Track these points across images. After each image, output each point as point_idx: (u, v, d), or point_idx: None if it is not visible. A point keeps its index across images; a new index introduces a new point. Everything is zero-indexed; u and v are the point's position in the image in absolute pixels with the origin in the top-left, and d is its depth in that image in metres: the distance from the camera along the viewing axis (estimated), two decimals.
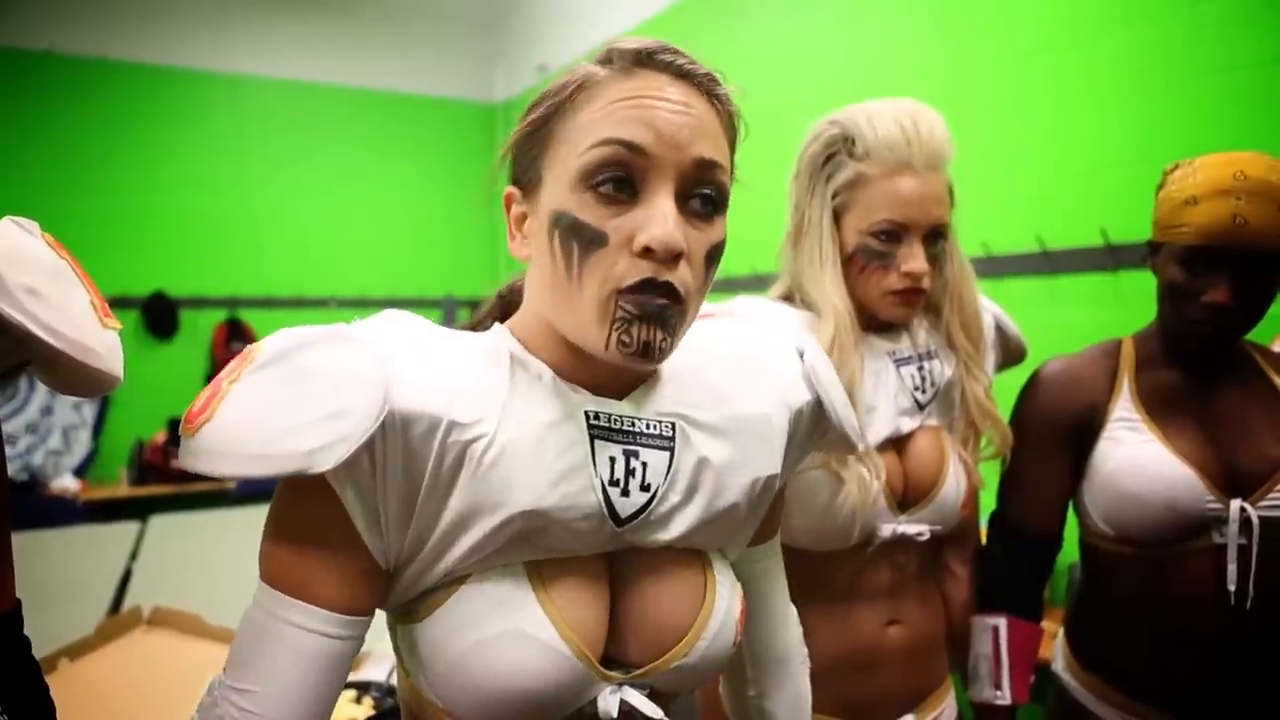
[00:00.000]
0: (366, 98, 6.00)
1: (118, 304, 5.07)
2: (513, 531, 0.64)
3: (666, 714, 0.71)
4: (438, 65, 6.29)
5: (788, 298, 1.20)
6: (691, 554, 0.74)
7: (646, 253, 0.62)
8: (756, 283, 2.93)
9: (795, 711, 0.94)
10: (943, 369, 1.19)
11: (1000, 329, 1.31)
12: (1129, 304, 2.29)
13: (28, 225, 0.59)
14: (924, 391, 1.17)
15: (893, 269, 1.11)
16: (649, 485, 0.68)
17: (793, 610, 0.95)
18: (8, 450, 4.22)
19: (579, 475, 0.66)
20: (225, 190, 5.51)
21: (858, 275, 1.13)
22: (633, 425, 0.69)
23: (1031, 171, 2.60)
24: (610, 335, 0.63)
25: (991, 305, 1.31)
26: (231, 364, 0.63)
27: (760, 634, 0.91)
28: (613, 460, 0.67)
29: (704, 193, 0.66)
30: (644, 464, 0.68)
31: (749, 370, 0.77)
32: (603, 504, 0.66)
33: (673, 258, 0.63)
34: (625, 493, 0.67)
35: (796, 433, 0.80)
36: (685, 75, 0.66)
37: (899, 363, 1.17)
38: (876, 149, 1.09)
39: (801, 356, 0.83)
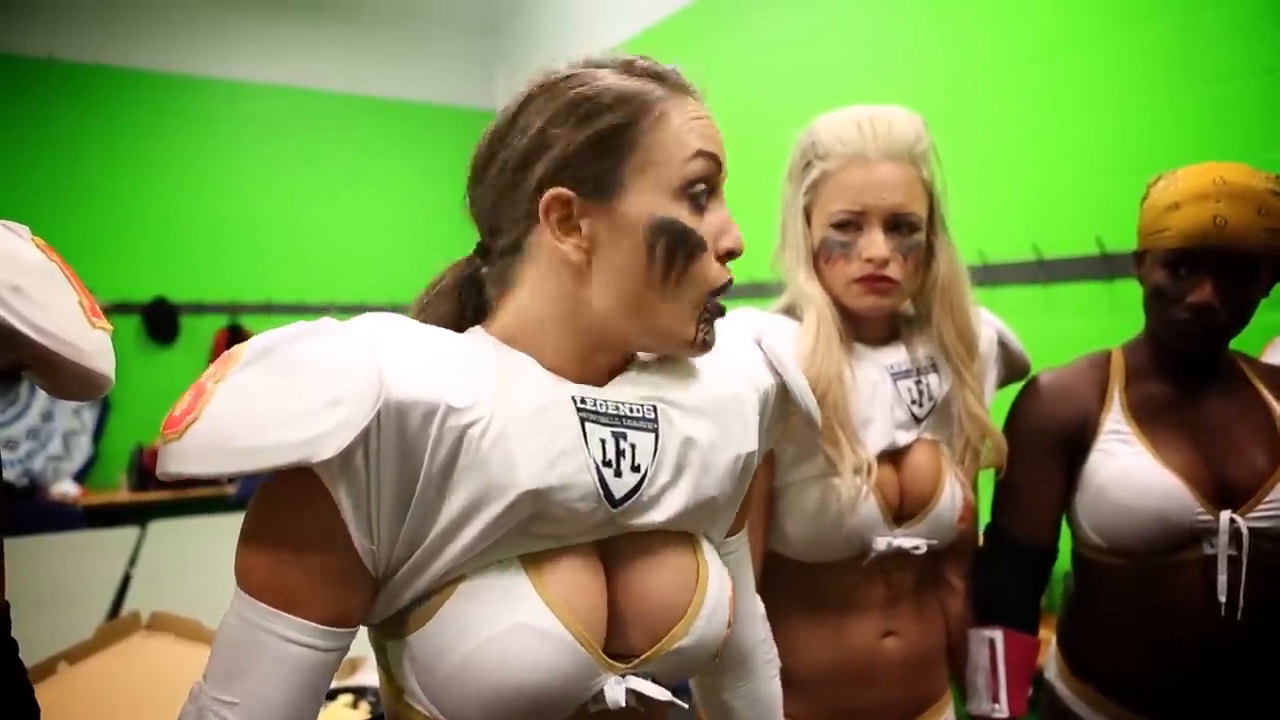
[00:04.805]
0: (367, 104, 6.01)
1: (119, 310, 5.08)
2: (518, 517, 0.64)
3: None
4: (438, 71, 6.30)
5: (789, 309, 1.21)
6: (681, 536, 0.75)
7: (729, 254, 0.73)
8: (754, 290, 2.94)
9: (755, 707, 0.96)
10: (941, 383, 1.19)
11: (1004, 344, 1.31)
12: (1124, 312, 2.30)
13: (16, 228, 0.60)
14: (921, 405, 1.18)
15: (854, 257, 1.12)
16: (639, 466, 0.70)
17: (760, 607, 0.97)
18: (8, 456, 4.21)
19: (574, 456, 0.67)
20: (226, 196, 5.52)
21: (824, 267, 1.16)
22: (617, 409, 0.71)
23: (1028, 180, 2.61)
24: (698, 333, 0.72)
25: (994, 320, 1.31)
26: (213, 367, 0.62)
27: None
28: (603, 442, 0.69)
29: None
30: (632, 445, 0.70)
31: (715, 358, 0.80)
32: (597, 484, 0.67)
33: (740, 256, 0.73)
34: (618, 473, 0.69)
35: (765, 414, 0.84)
36: (702, 97, 0.75)
37: (896, 376, 1.17)
38: (832, 146, 1.13)
39: (760, 344, 0.88)
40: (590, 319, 0.71)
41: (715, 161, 0.72)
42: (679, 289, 0.70)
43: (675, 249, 0.69)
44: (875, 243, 1.11)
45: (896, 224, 1.11)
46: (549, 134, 0.69)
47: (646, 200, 0.69)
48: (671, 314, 0.71)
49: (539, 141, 0.70)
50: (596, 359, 0.73)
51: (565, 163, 0.69)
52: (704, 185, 0.71)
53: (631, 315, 0.71)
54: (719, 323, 0.75)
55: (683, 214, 0.70)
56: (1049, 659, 1.37)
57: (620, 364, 0.76)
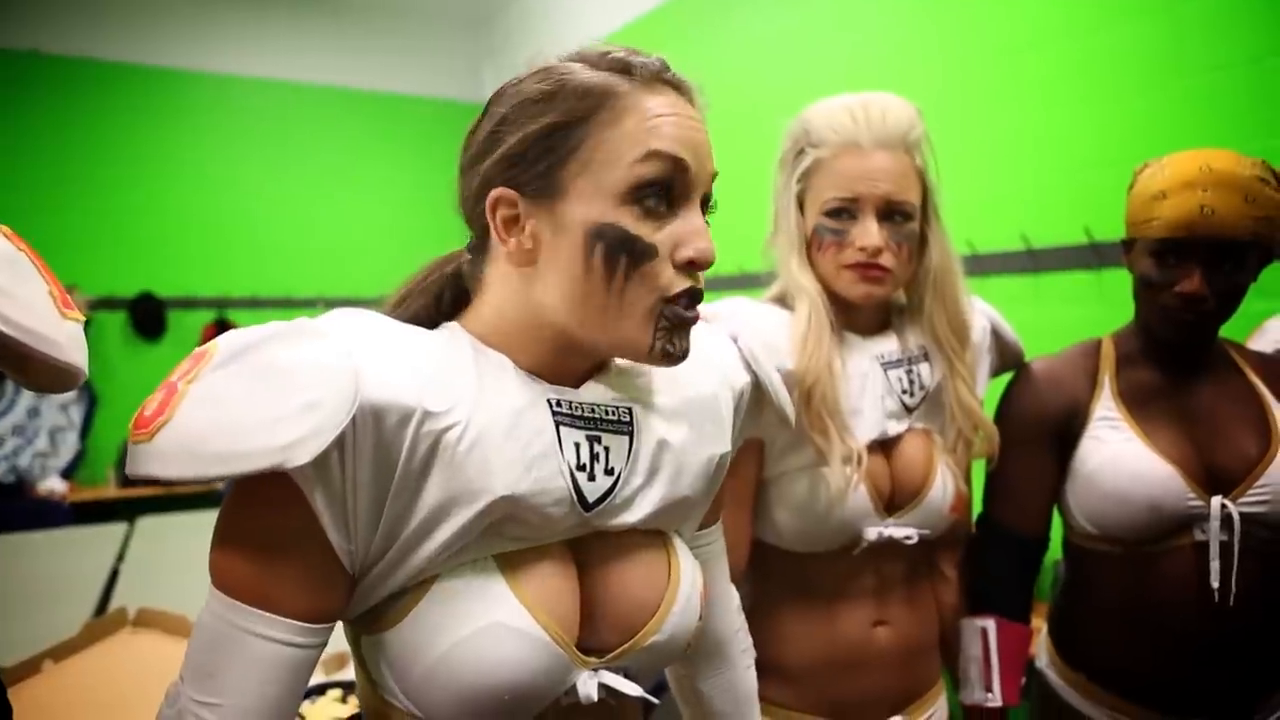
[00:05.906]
0: (354, 97, 5.98)
1: (105, 304, 5.04)
2: (491, 519, 0.64)
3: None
4: (426, 65, 6.28)
5: (781, 298, 1.20)
6: (653, 534, 0.76)
7: (690, 265, 0.67)
8: (745, 281, 2.95)
9: (731, 695, 0.96)
10: (932, 373, 1.19)
11: (997, 334, 1.31)
12: (1113, 302, 2.31)
13: None
14: (912, 395, 1.17)
15: (847, 245, 1.12)
16: (612, 469, 0.70)
17: (735, 597, 0.97)
18: None
19: (548, 461, 0.67)
20: (213, 190, 5.48)
21: (817, 256, 1.15)
22: (592, 411, 0.71)
23: (1017, 170, 2.62)
24: (655, 342, 0.68)
25: (988, 309, 1.31)
26: (184, 365, 0.61)
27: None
28: (577, 446, 0.69)
29: (708, 204, 0.71)
30: (606, 448, 0.70)
31: (691, 357, 0.77)
32: (571, 489, 0.68)
33: (706, 267, 0.69)
34: (591, 477, 0.69)
35: (740, 411, 0.84)
36: (688, 93, 0.71)
37: (887, 366, 1.17)
38: (826, 133, 1.12)
39: (735, 341, 0.87)
40: (550, 323, 0.69)
41: (675, 162, 0.66)
42: (625, 296, 0.66)
43: (614, 256, 0.65)
44: (869, 232, 1.10)
45: (890, 213, 1.11)
46: (501, 131, 0.68)
47: (586, 204, 0.66)
48: (622, 322, 0.67)
49: (493, 138, 0.69)
50: (569, 361, 0.72)
51: (511, 161, 0.67)
52: (655, 188, 0.66)
53: (582, 322, 0.68)
54: (695, 329, 0.74)
55: (626, 219, 0.65)
56: (1039, 647, 1.37)
57: (595, 365, 0.75)
